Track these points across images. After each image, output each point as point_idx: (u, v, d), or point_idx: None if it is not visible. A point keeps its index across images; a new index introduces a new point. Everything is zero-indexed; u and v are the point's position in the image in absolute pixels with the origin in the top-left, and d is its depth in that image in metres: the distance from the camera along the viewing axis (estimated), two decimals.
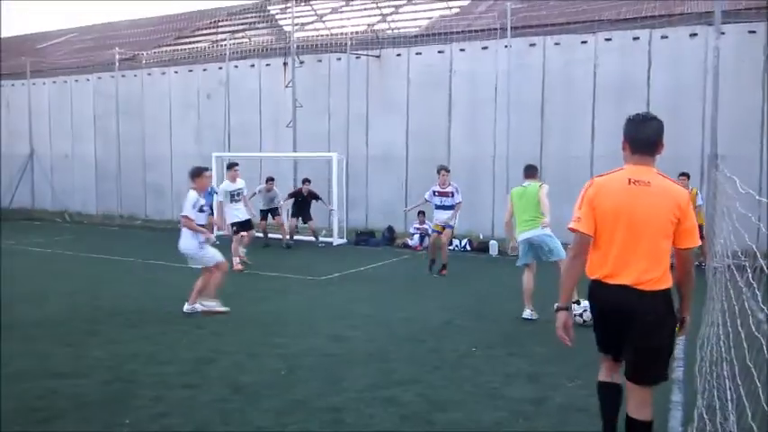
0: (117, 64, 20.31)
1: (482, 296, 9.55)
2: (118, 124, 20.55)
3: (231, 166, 12.06)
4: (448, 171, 11.70)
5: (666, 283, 3.42)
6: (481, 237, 15.61)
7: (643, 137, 3.54)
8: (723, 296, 5.47)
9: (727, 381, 4.29)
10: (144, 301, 8.85)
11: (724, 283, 5.49)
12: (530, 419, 4.72)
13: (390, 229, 16.00)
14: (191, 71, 20.06)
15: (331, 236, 15.81)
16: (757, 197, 3.61)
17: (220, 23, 23.90)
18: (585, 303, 8.38)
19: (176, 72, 20.30)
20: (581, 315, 6.72)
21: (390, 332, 7.27)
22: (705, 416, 4.32)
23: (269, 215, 15.18)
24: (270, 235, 15.25)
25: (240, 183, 11.94)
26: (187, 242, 7.97)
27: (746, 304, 4.08)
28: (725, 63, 13.01)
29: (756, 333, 3.29)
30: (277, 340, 6.80)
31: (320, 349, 6.51)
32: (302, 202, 15.06)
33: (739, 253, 5.09)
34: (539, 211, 7.85)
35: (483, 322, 7.83)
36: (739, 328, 3.93)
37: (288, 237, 15.00)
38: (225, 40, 19.92)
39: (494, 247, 14.48)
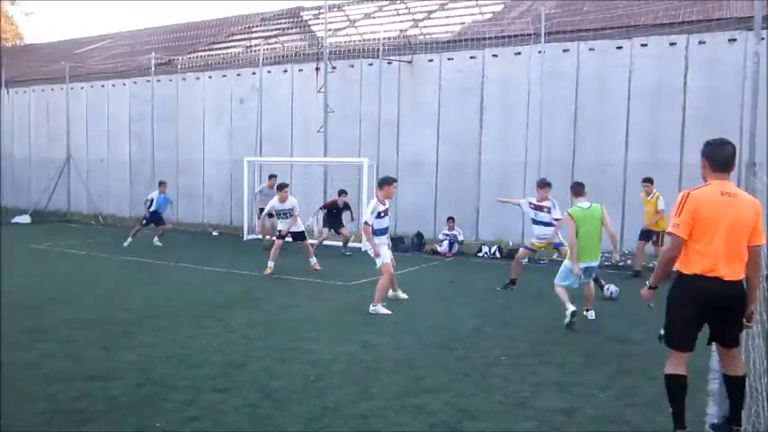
0: (153, 69, 20.65)
1: (511, 304, 9.46)
2: (153, 129, 20.87)
3: (281, 187, 12.22)
4: (549, 186, 10.41)
5: (743, 274, 4.27)
6: (510, 244, 15.48)
7: (722, 158, 4.33)
8: (764, 308, 5.33)
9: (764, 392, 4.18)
10: (175, 305, 8.95)
11: (763, 293, 5.35)
12: (559, 430, 4.65)
13: (419, 234, 15.96)
14: (224, 76, 20.32)
15: (360, 240, 15.80)
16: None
17: (254, 29, 24.17)
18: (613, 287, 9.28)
19: (210, 77, 20.58)
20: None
21: (419, 339, 7.24)
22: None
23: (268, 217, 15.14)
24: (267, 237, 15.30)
25: (290, 202, 12.16)
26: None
27: None
28: (765, 69, 12.72)
29: None
30: (306, 346, 6.82)
31: (349, 355, 6.51)
32: (336, 214, 14.87)
33: None
34: (600, 238, 8.00)
35: (511, 330, 7.76)
36: None
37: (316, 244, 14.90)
38: (258, 45, 20.13)
39: None
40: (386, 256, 8.70)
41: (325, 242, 14.98)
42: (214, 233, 19.00)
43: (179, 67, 21.33)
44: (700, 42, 14.31)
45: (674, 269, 4.35)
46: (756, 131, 12.44)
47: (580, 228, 7.80)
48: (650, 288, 4.50)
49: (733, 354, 4.39)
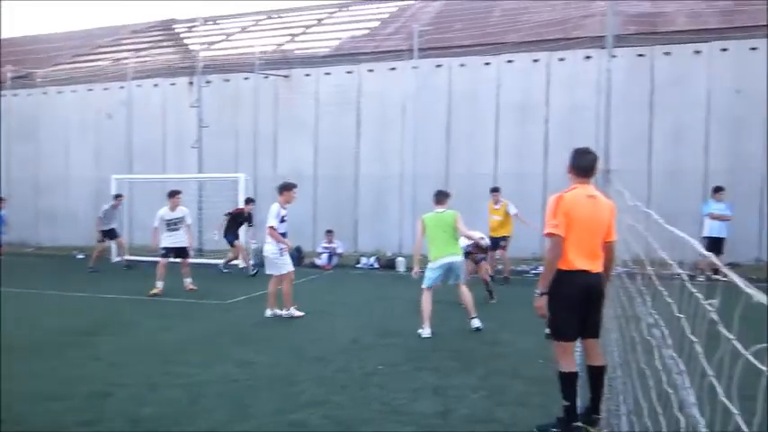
0: (8, 82, 19.22)
1: (388, 313, 9.60)
2: (8, 147, 19.38)
3: (172, 194, 11.68)
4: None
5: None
6: (389, 254, 15.73)
7: (585, 164, 4.80)
8: (617, 304, 5.73)
9: (625, 384, 4.47)
10: (35, 335, 8.29)
11: (615, 291, 5.76)
12: None
13: (298, 248, 15.83)
14: (90, 90, 19.29)
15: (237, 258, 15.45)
16: (644, 209, 4.08)
17: (123, 41, 23.15)
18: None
19: (74, 91, 19.47)
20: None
21: (297, 354, 7.15)
22: (606, 420, 4.48)
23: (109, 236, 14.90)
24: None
25: (181, 211, 11.62)
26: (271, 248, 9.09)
27: (637, 310, 4.27)
28: (616, 84, 13.80)
29: (647, 337, 3.44)
30: (179, 369, 6.53)
31: (225, 376, 6.31)
32: (238, 224, 14.23)
33: (629, 262, 5.35)
34: (455, 238, 8.20)
35: (389, 339, 7.86)
36: (633, 333, 4.12)
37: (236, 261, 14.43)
38: (128, 58, 19.29)
39: (401, 264, 14.63)
40: (289, 263, 9.24)
41: (196, 260, 14.39)
42: (79, 256, 17.86)
43: (38, 80, 19.99)
44: (560, 59, 15.31)
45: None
46: (610, 142, 13.51)
47: (431, 230, 8.12)
48: (542, 295, 4.62)
49: (595, 345, 4.78)
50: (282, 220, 9.09)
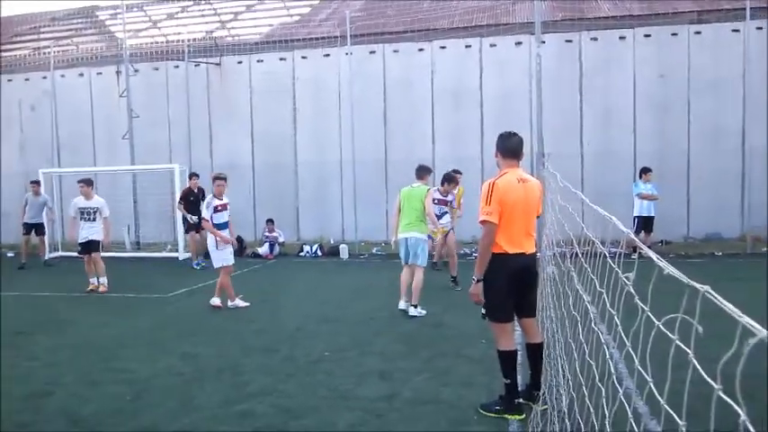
0: None
1: (333, 300, 9.65)
2: None
3: (85, 182, 11.09)
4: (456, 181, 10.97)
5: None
6: (332, 241, 15.74)
7: (511, 147, 4.92)
8: (550, 282, 5.93)
9: (559, 359, 4.66)
10: None
11: (550, 270, 5.96)
12: (382, 416, 4.84)
13: (239, 239, 15.62)
14: (10, 81, 18.41)
15: (176, 250, 15.18)
16: (573, 189, 4.31)
17: (42, 29, 22.14)
18: None
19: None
20: None
21: (242, 345, 7.12)
22: (546, 395, 4.66)
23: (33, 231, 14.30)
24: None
25: (97, 201, 11.02)
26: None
27: (567, 287, 4.44)
28: (547, 70, 14.13)
29: (573, 312, 3.61)
30: (121, 365, 6.41)
31: (169, 369, 6.23)
32: (195, 203, 13.12)
33: (562, 241, 5.55)
34: (421, 215, 8.25)
35: (334, 325, 7.93)
36: (570, 309, 4.29)
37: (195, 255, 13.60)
38: (48, 47, 18.48)
39: (344, 251, 14.67)
40: (228, 256, 9.16)
41: (136, 254, 14.13)
42: (9, 254, 17.14)
43: None
44: (491, 45, 15.56)
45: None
46: (543, 125, 13.86)
47: (403, 203, 8.33)
48: (478, 282, 4.72)
49: (532, 323, 4.97)
50: (216, 210, 9.02)
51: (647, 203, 13.15)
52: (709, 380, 1.37)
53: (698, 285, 1.51)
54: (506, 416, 4.75)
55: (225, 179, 9.37)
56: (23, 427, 4.84)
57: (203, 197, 13.24)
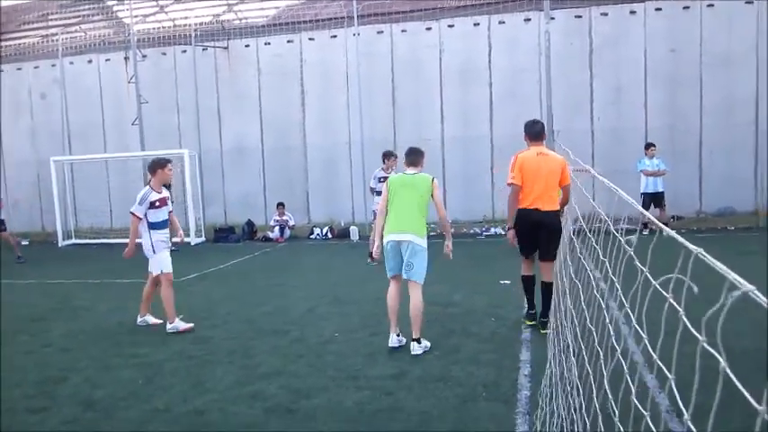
0: None
1: (343, 281, 9.69)
2: None
3: None
4: (395, 156, 10.65)
5: (557, 207, 6.36)
6: (342, 224, 15.78)
7: (534, 132, 6.60)
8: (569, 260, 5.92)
9: (568, 332, 4.66)
10: None
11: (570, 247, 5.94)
12: (391, 394, 4.87)
13: (250, 222, 15.75)
14: (20, 69, 18.51)
15: (188, 235, 15.27)
16: (582, 164, 4.82)
17: (51, 17, 22.16)
18: None
19: (2, 71, 18.63)
20: None
21: (253, 327, 7.19)
22: (553, 367, 4.67)
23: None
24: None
25: None
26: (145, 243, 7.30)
27: (584, 263, 4.43)
28: (556, 46, 14.00)
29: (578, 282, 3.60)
30: (133, 350, 6.49)
31: (181, 353, 6.31)
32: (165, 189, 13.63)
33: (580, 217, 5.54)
34: (422, 211, 6.07)
35: (344, 307, 7.96)
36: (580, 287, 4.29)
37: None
38: (57, 34, 18.50)
39: (354, 233, 14.72)
40: (167, 261, 7.32)
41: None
42: (23, 242, 17.32)
43: None
44: (500, 23, 15.40)
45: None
46: (552, 102, 13.75)
47: (393, 196, 6.10)
48: (510, 229, 6.51)
49: (547, 266, 6.32)
50: (154, 206, 7.25)
51: (652, 179, 13.06)
52: (694, 331, 1.39)
53: (691, 246, 1.53)
54: (526, 321, 6.68)
55: (169, 164, 7.48)
56: (39, 412, 4.91)
57: (168, 188, 13.31)
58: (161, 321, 7.40)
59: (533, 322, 6.58)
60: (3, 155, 18.75)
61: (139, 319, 7.56)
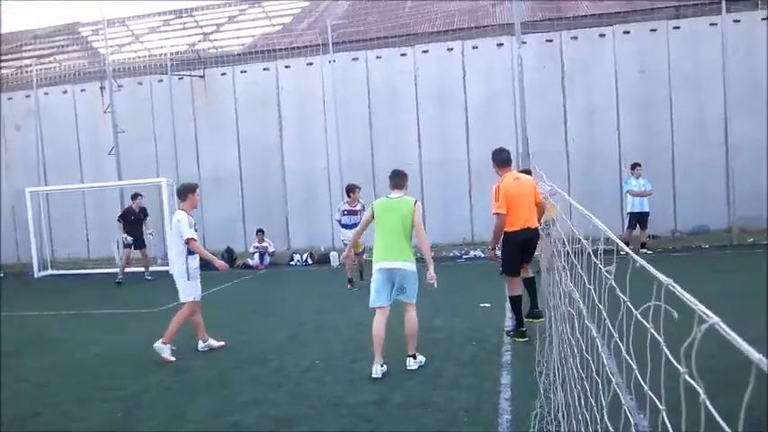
0: None
1: (324, 308, 9.66)
2: None
3: None
4: (360, 188, 11.59)
5: (537, 222, 7.03)
6: (322, 249, 15.76)
7: (502, 159, 7.12)
8: (549, 281, 5.98)
9: (554, 354, 4.70)
10: None
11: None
12: (372, 421, 4.86)
13: (229, 250, 15.67)
14: None
15: (166, 263, 15.15)
16: (558, 189, 4.53)
17: (25, 48, 22.09)
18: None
19: None
20: None
21: (233, 356, 7.13)
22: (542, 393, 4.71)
23: None
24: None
25: None
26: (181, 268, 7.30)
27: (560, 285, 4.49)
28: (529, 70, 14.24)
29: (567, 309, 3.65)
30: (111, 382, 6.40)
31: (159, 384, 6.23)
32: (135, 222, 13.76)
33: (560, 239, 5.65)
34: (407, 236, 6.14)
35: (325, 334, 7.93)
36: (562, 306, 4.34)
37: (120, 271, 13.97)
38: (31, 65, 18.43)
39: (334, 258, 14.71)
40: (198, 290, 7.47)
41: (127, 269, 14.06)
42: None
43: None
44: (473, 47, 15.64)
45: None
46: (527, 125, 13.95)
47: (378, 221, 6.21)
48: (493, 250, 7.20)
49: (527, 267, 7.12)
50: (196, 229, 7.46)
51: (639, 199, 13.23)
52: (675, 363, 1.44)
53: (662, 278, 1.59)
54: (516, 339, 6.90)
55: (197, 188, 7.71)
56: None
57: (145, 216, 13.78)
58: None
59: (525, 339, 6.84)
60: None
61: (202, 345, 7.51)
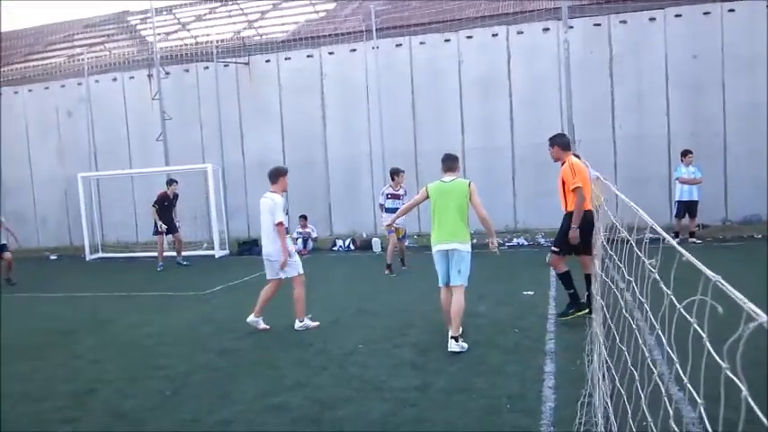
0: None
1: (365, 293, 9.73)
2: None
3: None
4: (403, 172, 11.63)
5: None
6: (364, 235, 15.84)
7: (565, 143, 7.34)
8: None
9: (602, 347, 4.66)
10: (12, 337, 8.25)
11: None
12: (415, 406, 4.89)
13: None
14: (47, 89, 18.92)
15: (212, 248, 15.47)
16: (603, 179, 4.38)
17: (76, 37, 22.66)
18: None
19: (30, 90, 19.08)
20: None
21: (278, 339, 7.25)
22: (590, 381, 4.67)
23: None
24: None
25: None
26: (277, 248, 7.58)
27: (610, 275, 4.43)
28: (575, 55, 13.98)
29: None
30: (161, 361, 6.59)
31: (207, 365, 6.39)
32: (168, 208, 13.91)
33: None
34: (465, 219, 6.43)
35: (368, 318, 8.00)
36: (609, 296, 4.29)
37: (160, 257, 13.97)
38: (82, 54, 18.92)
39: (376, 244, 14.76)
40: (300, 263, 7.80)
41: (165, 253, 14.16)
42: (52, 257, 17.68)
43: None
44: (518, 33, 15.41)
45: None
46: (573, 112, 13.72)
47: (434, 204, 6.50)
48: (577, 228, 6.86)
49: (587, 259, 6.81)
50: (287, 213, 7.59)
51: (687, 187, 12.93)
52: (718, 359, 1.40)
53: (709, 273, 1.56)
54: (578, 313, 6.95)
55: (287, 172, 7.83)
56: (69, 423, 5.02)
57: (176, 201, 14.05)
58: (269, 327, 7.68)
59: (587, 311, 6.73)
60: (0, 175, 19.13)
61: (252, 318, 7.70)
